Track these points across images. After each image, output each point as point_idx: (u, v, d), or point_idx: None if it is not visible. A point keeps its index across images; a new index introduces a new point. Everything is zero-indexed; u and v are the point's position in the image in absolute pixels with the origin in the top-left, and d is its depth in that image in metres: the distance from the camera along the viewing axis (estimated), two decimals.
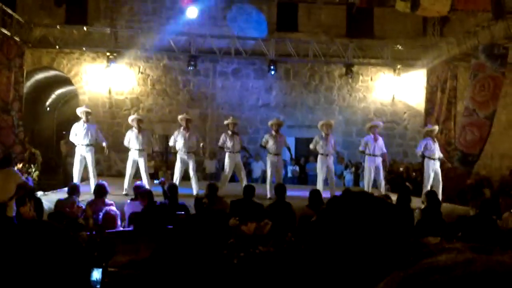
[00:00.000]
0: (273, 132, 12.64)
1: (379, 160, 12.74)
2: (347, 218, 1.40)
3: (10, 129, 15.34)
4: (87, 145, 11.95)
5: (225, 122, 12.92)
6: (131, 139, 12.22)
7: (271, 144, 12.53)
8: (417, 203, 9.55)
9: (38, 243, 1.49)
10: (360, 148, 13.06)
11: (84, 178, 12.62)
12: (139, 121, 12.36)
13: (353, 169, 17.06)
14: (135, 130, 12.27)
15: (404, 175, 15.64)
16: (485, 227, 6.95)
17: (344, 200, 1.48)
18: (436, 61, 17.59)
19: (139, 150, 12.20)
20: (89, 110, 12.31)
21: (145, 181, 12.10)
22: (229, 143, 12.50)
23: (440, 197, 10.81)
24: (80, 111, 12.24)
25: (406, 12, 12.26)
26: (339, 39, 18.67)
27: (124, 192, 11.83)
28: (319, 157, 12.77)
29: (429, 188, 11.96)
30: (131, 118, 12.50)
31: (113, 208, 8.52)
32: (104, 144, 12.34)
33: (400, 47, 18.19)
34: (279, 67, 18.23)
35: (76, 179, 11.91)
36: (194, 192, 11.84)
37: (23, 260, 1.44)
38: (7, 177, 8.84)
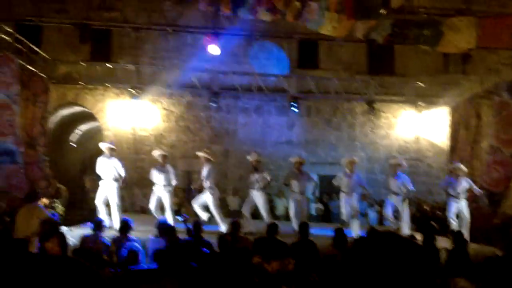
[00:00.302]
0: (296, 170, 12.57)
1: (398, 198, 12.58)
2: (373, 259, 1.39)
3: (35, 164, 15.49)
4: (110, 180, 11.98)
5: (249, 158, 12.82)
6: (155, 175, 12.25)
7: (294, 182, 12.46)
8: (442, 242, 9.42)
9: (64, 279, 1.50)
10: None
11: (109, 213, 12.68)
12: (164, 156, 12.40)
13: (377, 207, 16.88)
14: (159, 166, 12.32)
15: (429, 214, 15.45)
16: None
17: (370, 240, 1.48)
18: (459, 98, 17.54)
19: (164, 185, 12.22)
20: (113, 146, 12.36)
21: (168, 217, 12.09)
22: (251, 180, 12.44)
23: (466, 236, 10.65)
24: (103, 146, 12.30)
25: (427, 48, 12.29)
26: (360, 76, 18.79)
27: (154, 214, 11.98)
28: (342, 195, 12.63)
29: (455, 226, 11.82)
30: (157, 154, 12.55)
31: (137, 244, 8.52)
32: (122, 175, 12.31)
33: (421, 84, 18.19)
34: (301, 104, 18.31)
35: (100, 212, 11.92)
36: (222, 229, 11.63)
37: None
38: (31, 212, 8.89)
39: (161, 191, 12.25)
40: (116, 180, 12.03)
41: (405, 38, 11.51)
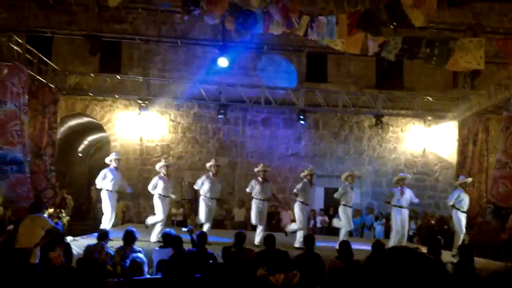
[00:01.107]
0: (307, 182, 12.57)
1: (405, 212, 12.57)
2: (390, 275, 1.36)
3: (42, 174, 15.57)
4: (110, 191, 11.99)
5: (256, 169, 12.84)
6: (158, 185, 12.20)
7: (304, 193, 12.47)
8: (448, 256, 9.35)
9: None
10: (386, 199, 13.01)
11: (115, 224, 12.66)
12: (167, 167, 12.36)
13: (383, 220, 16.83)
14: (163, 176, 12.27)
15: (435, 228, 15.38)
16: None
17: (386, 255, 1.44)
18: (467, 113, 17.51)
19: (166, 196, 12.19)
20: (118, 157, 12.42)
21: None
22: (258, 190, 12.42)
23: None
24: (108, 159, 12.35)
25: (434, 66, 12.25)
26: (368, 90, 18.76)
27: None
28: (343, 208, 12.66)
29: (462, 239, 11.77)
30: (159, 165, 12.52)
31: (140, 255, 8.50)
32: (128, 191, 12.40)
33: (430, 99, 18.17)
34: (309, 117, 18.32)
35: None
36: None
37: None
38: (34, 223, 8.89)
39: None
40: (116, 191, 12.09)
41: (415, 56, 11.48)
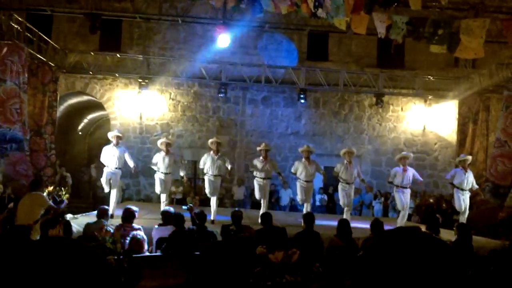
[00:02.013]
0: (303, 159, 12.57)
1: (407, 191, 12.58)
2: (399, 255, 1.36)
3: (42, 152, 15.59)
4: (115, 168, 11.95)
5: (258, 148, 12.85)
6: (159, 162, 12.20)
7: (300, 170, 12.47)
8: (446, 235, 9.37)
9: (66, 260, 1.48)
10: (389, 179, 12.97)
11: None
12: (167, 144, 12.35)
13: (382, 199, 16.89)
14: (162, 153, 12.25)
15: (434, 206, 15.42)
16: None
17: (396, 236, 1.43)
18: (468, 92, 17.46)
19: (165, 173, 12.17)
20: (120, 134, 12.34)
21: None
22: (260, 169, 12.43)
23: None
24: (111, 135, 12.27)
25: (442, 52, 12.14)
26: (369, 69, 18.69)
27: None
28: (340, 184, 12.74)
29: (460, 218, 11.80)
30: (160, 142, 12.52)
31: (140, 232, 8.52)
32: (132, 165, 12.29)
33: (431, 78, 18.11)
34: (309, 96, 18.30)
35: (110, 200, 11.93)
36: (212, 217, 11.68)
37: (50, 277, 1.44)
38: (34, 201, 8.93)
39: (162, 177, 12.21)
40: (120, 168, 12.03)
41: (419, 37, 11.41)
